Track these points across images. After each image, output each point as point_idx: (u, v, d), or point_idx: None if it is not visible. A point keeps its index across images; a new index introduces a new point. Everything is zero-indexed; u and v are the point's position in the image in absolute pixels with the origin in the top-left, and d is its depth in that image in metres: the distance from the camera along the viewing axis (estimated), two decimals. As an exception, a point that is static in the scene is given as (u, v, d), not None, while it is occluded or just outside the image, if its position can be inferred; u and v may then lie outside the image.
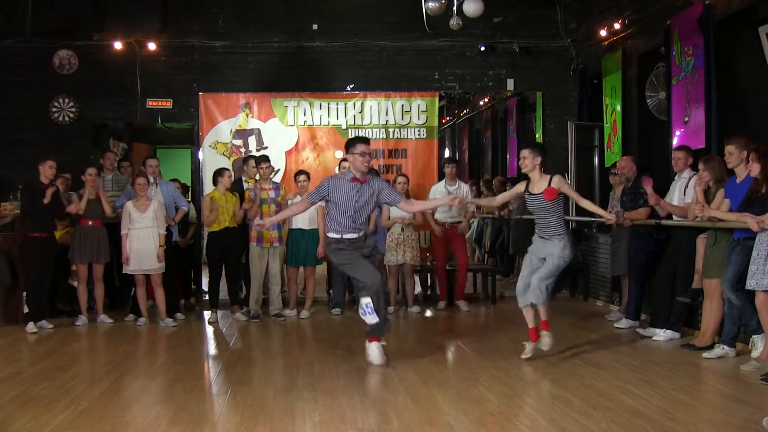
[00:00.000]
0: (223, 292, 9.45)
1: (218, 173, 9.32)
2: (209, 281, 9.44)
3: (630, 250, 8.35)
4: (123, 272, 9.04)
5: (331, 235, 6.73)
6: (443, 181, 9.99)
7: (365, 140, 6.92)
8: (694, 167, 7.49)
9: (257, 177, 9.37)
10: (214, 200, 9.12)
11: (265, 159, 9.42)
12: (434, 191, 10.01)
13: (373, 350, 6.64)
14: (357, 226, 6.70)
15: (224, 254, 9.20)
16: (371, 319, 6.56)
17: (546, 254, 6.74)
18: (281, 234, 9.22)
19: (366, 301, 6.53)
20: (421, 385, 5.94)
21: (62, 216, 8.96)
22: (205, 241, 9.61)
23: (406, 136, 10.82)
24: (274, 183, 9.40)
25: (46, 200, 8.50)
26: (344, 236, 6.68)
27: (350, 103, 10.80)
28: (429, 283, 10.82)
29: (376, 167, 10.37)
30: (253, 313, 9.17)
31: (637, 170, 8.42)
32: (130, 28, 10.56)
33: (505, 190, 12.75)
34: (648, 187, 7.72)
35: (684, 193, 7.59)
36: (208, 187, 10.52)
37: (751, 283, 6.09)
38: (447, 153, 17.63)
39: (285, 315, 9.31)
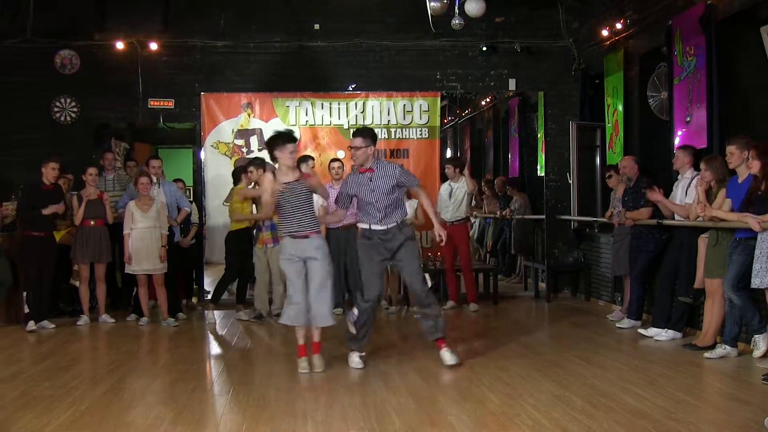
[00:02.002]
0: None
1: (242, 170, 9.29)
2: (227, 280, 9.42)
3: (631, 250, 8.35)
4: (125, 272, 9.04)
5: (360, 225, 6.74)
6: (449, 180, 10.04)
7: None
8: (697, 167, 7.49)
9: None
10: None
11: (255, 163, 9.32)
12: (442, 188, 10.08)
13: (352, 359, 6.66)
14: (382, 218, 6.54)
15: (243, 253, 9.21)
16: (351, 328, 6.69)
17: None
18: (277, 235, 9.13)
19: (355, 312, 6.65)
20: (422, 385, 5.95)
21: (64, 216, 8.97)
22: (202, 240, 9.58)
23: (407, 136, 10.82)
24: None
25: (45, 211, 8.51)
26: (372, 227, 6.59)
27: (352, 103, 10.80)
28: (433, 283, 10.82)
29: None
30: (257, 313, 9.17)
31: (639, 170, 8.44)
32: (132, 28, 10.54)
33: (506, 191, 12.82)
34: (656, 197, 7.76)
35: (686, 193, 7.59)
36: (209, 187, 10.54)
37: (755, 282, 6.09)
38: (449, 153, 17.63)
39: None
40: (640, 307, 8.30)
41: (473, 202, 10.94)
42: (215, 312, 9.29)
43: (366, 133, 6.68)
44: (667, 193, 7.88)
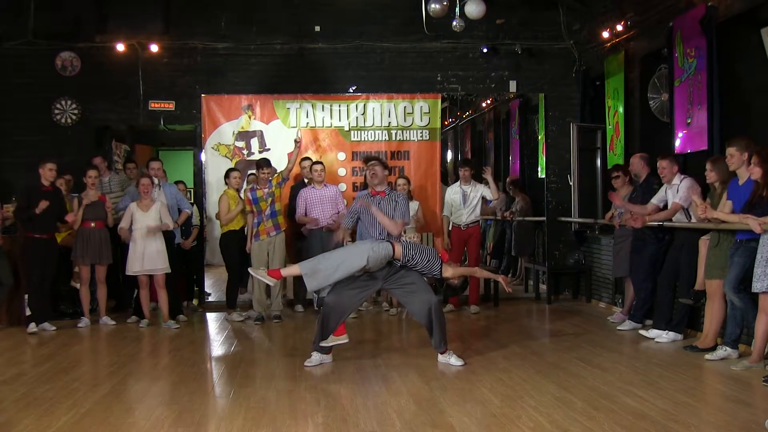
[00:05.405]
0: (221, 292, 9.48)
1: (228, 174, 9.57)
2: (235, 283, 9.52)
3: (633, 252, 8.33)
4: (126, 273, 9.02)
5: None
6: (458, 182, 10.04)
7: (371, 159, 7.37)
8: (682, 171, 7.68)
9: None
10: (231, 198, 9.35)
11: (266, 163, 9.40)
12: (449, 192, 10.07)
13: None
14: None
15: (242, 253, 9.24)
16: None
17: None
18: (278, 221, 9.19)
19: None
20: (423, 387, 5.94)
21: (64, 218, 8.96)
22: (204, 242, 9.57)
23: (408, 138, 10.79)
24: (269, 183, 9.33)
25: (37, 210, 8.50)
26: None
27: (353, 105, 10.78)
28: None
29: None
30: (256, 315, 9.16)
31: (648, 167, 8.40)
32: (133, 30, 10.56)
33: (506, 191, 12.81)
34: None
35: (677, 193, 7.61)
36: (210, 189, 10.53)
37: (756, 286, 6.08)
38: (449, 155, 17.63)
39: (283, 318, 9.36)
40: (645, 311, 8.22)
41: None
42: (233, 314, 9.40)
43: (381, 159, 7.50)
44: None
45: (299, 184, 9.93)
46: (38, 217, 8.52)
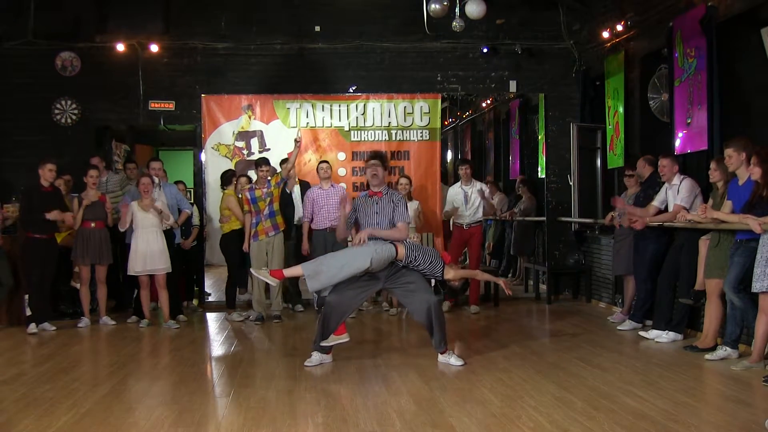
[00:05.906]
0: (221, 292, 9.51)
1: (233, 174, 9.66)
2: (235, 283, 9.61)
3: (635, 251, 8.32)
4: (128, 274, 9.01)
5: None
6: (459, 182, 10.04)
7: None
8: (682, 171, 7.68)
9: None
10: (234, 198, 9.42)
11: (265, 162, 9.40)
12: (451, 193, 10.07)
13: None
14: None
15: (242, 253, 9.26)
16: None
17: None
18: (276, 222, 9.14)
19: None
20: (423, 387, 5.94)
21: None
22: (204, 241, 9.57)
23: (408, 138, 10.79)
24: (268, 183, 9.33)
25: (49, 216, 8.51)
26: None
27: (353, 105, 10.78)
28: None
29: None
30: (256, 315, 9.16)
31: (652, 167, 8.39)
32: (133, 30, 10.56)
33: (515, 190, 12.79)
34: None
35: (677, 194, 7.60)
36: (210, 189, 10.53)
37: (756, 286, 6.08)
38: (449, 155, 17.62)
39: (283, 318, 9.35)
40: (647, 311, 8.23)
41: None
42: (233, 314, 9.45)
43: (384, 157, 7.31)
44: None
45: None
46: (39, 216, 8.52)
